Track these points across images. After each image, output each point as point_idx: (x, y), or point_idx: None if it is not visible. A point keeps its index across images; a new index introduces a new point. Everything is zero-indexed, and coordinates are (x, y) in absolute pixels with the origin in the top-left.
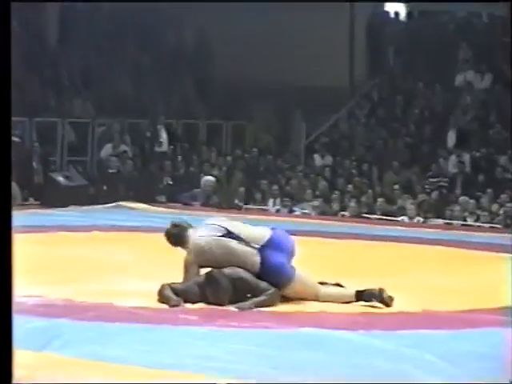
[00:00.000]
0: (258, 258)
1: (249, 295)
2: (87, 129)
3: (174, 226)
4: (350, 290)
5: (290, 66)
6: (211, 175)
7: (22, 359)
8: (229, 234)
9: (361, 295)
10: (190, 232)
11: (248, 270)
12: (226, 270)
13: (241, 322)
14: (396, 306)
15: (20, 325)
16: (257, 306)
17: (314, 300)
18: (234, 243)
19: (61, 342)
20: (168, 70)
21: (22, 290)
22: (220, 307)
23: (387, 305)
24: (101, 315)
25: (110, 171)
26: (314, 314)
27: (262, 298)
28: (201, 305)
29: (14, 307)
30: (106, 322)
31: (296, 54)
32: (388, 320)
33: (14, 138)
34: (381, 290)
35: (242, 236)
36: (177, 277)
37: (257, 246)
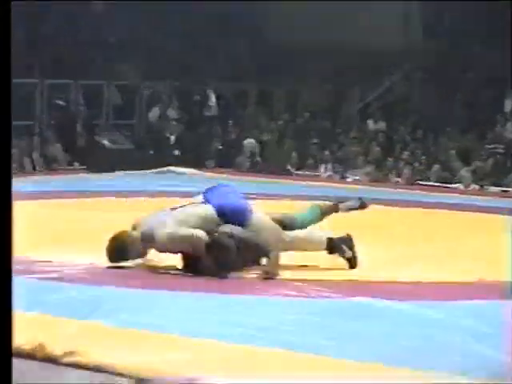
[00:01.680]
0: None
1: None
2: (134, 92)
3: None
4: (323, 236)
5: (345, 28)
6: (259, 140)
7: (66, 328)
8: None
9: (332, 242)
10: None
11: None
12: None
13: (289, 291)
14: (451, 275)
15: (65, 292)
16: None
17: (279, 247)
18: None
19: (104, 311)
20: (219, 31)
21: (71, 257)
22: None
23: (351, 263)
24: (145, 283)
25: (158, 135)
26: (362, 283)
27: (272, 256)
28: (245, 273)
29: (59, 275)
30: (151, 289)
31: (350, 16)
32: (442, 290)
33: (59, 102)
34: (349, 236)
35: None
36: None
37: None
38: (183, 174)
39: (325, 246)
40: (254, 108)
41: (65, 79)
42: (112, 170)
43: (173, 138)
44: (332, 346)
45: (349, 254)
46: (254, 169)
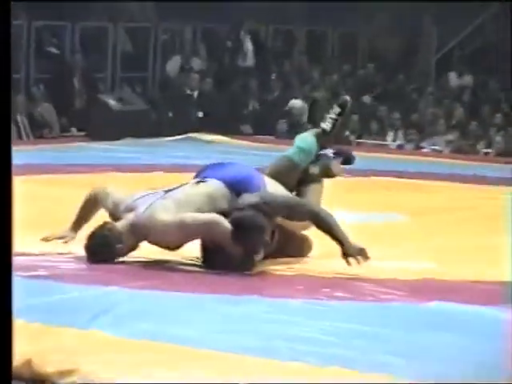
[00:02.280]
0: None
1: None
2: (148, 36)
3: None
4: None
5: None
6: (309, 99)
7: (59, 339)
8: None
9: None
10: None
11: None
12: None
13: (345, 292)
14: None
15: (55, 293)
16: None
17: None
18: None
19: (107, 318)
20: None
21: (60, 248)
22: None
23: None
24: (159, 282)
25: (178, 92)
26: (435, 283)
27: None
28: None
29: (54, 272)
30: (166, 290)
31: None
32: None
33: (51, 49)
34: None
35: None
36: None
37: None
38: (210, 141)
39: None
40: (303, 57)
41: (58, 21)
42: (119, 137)
43: (196, 94)
44: (403, 365)
45: None
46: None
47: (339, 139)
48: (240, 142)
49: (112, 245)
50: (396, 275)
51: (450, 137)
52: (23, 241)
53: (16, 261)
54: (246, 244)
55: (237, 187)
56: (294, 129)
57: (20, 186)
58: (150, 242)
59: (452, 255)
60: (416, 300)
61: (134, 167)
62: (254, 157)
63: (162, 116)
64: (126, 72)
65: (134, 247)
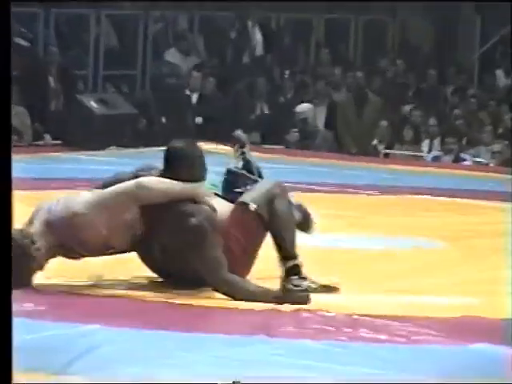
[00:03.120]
0: None
1: None
2: (136, 26)
3: None
4: None
5: None
6: (330, 101)
7: None
8: None
9: None
10: None
11: None
12: None
13: (369, 332)
14: None
15: (30, 332)
16: None
17: None
18: None
19: (87, 361)
20: None
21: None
22: None
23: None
24: (145, 319)
25: (173, 93)
26: (470, 320)
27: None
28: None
29: (22, 309)
30: (154, 329)
31: None
32: None
33: (20, 41)
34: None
35: None
36: None
37: None
38: (210, 152)
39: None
40: (322, 51)
41: (30, 7)
42: (101, 146)
43: (195, 96)
44: None
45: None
46: (319, 147)
47: (366, 150)
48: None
49: (24, 246)
50: (429, 312)
51: (497, 147)
52: None
53: None
54: (181, 174)
55: None
56: (305, 138)
57: None
58: (72, 245)
59: (496, 288)
60: (454, 342)
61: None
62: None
63: (154, 121)
64: (111, 69)
65: (54, 253)
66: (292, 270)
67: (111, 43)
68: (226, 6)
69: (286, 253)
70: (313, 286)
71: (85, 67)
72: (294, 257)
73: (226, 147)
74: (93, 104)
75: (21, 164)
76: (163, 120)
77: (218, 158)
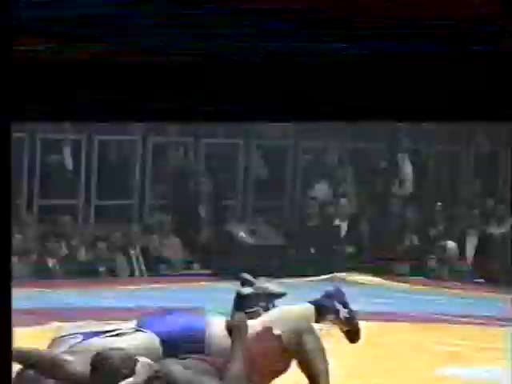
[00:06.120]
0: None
1: None
2: (285, 156)
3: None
4: None
5: None
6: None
7: None
8: None
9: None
10: None
11: None
12: None
13: None
14: None
15: None
16: None
17: None
18: None
19: None
20: None
21: None
22: None
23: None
24: None
25: (324, 224)
26: None
27: None
28: None
29: None
30: None
31: None
32: None
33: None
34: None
35: None
36: None
37: None
38: (359, 283)
39: None
40: (473, 183)
41: (179, 136)
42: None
43: (345, 226)
44: None
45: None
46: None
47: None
48: (393, 283)
49: None
50: None
51: None
52: None
53: None
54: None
55: (173, 342)
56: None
57: None
58: None
59: None
60: None
61: None
62: (411, 303)
63: (302, 252)
64: (260, 199)
65: None
66: None
67: (260, 172)
68: (377, 137)
69: None
70: None
71: (234, 197)
72: None
73: (375, 278)
74: (242, 234)
75: (177, 294)
76: (312, 250)
77: (368, 289)
